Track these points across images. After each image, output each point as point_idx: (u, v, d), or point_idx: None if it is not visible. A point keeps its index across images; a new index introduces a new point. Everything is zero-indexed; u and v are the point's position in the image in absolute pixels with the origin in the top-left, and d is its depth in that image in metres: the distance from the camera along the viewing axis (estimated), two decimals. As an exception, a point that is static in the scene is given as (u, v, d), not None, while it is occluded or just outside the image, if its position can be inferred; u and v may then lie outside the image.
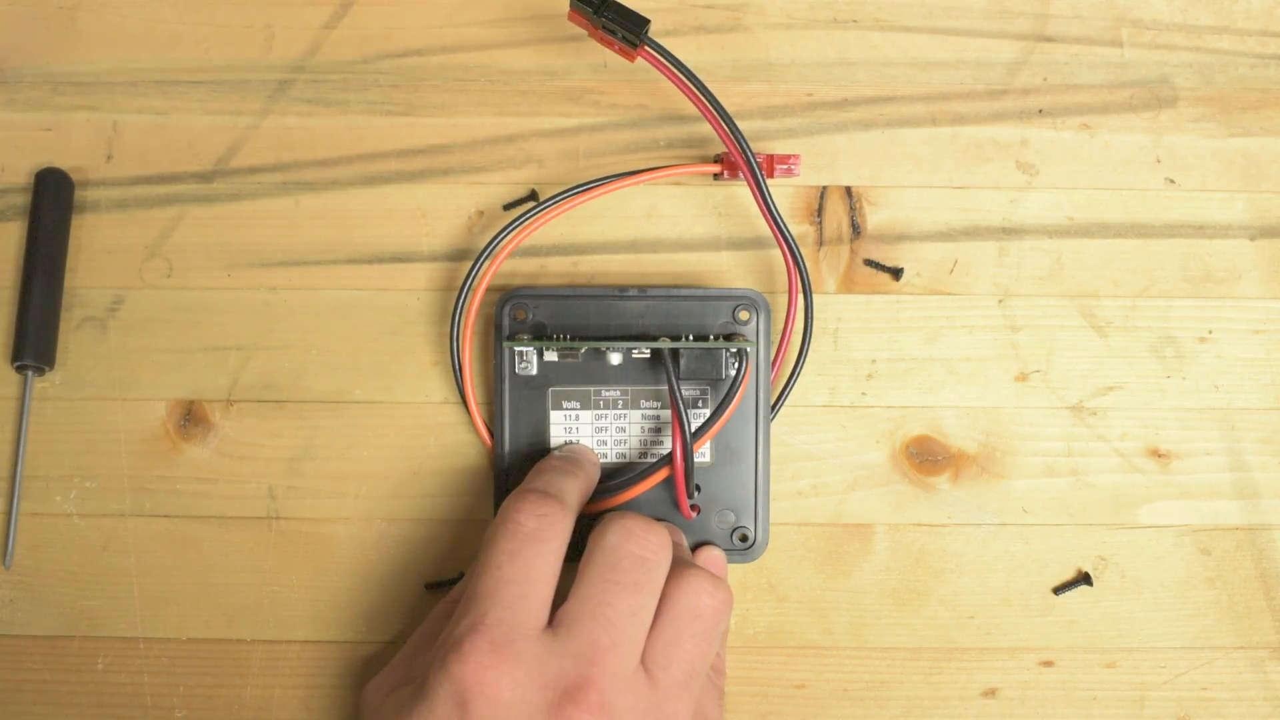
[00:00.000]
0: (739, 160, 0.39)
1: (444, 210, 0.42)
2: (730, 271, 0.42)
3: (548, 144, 0.43)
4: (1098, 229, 0.42)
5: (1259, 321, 0.42)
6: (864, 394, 0.41)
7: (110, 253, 0.42)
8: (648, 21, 0.39)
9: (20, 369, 0.40)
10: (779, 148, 0.42)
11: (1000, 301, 0.42)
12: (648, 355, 0.39)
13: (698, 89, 0.39)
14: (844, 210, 0.42)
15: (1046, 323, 0.41)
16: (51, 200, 0.41)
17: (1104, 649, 0.39)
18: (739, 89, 0.43)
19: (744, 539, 0.39)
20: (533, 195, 0.42)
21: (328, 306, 0.41)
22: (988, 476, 0.40)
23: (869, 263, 0.42)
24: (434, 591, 0.40)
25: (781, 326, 0.40)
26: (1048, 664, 0.39)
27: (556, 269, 0.42)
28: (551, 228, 0.42)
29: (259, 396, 0.41)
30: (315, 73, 0.43)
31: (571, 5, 0.39)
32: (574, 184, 0.40)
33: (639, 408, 0.39)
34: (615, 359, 0.39)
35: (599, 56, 0.43)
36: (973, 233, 0.42)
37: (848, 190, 0.43)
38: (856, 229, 0.42)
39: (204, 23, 0.44)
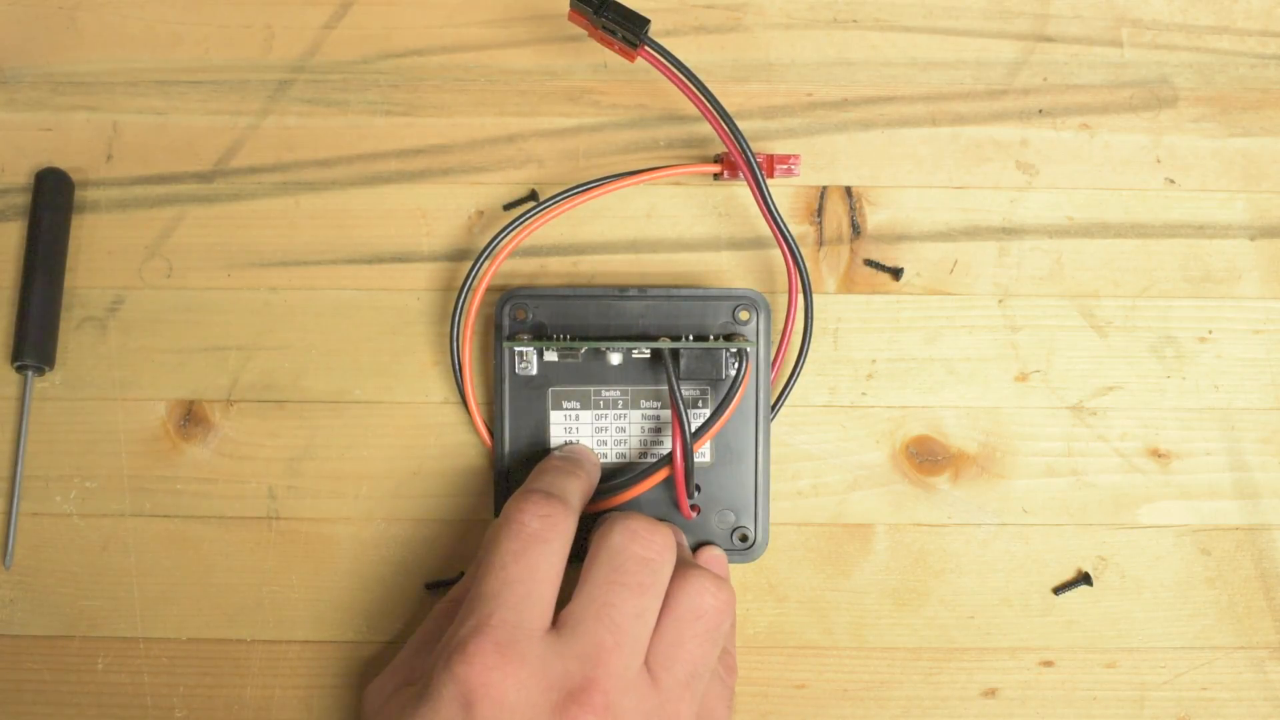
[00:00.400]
0: (739, 160, 0.39)
1: (444, 210, 0.42)
2: (730, 271, 0.42)
3: (548, 144, 0.43)
4: (1098, 229, 0.42)
5: (1259, 321, 0.42)
6: (864, 394, 0.41)
7: (110, 253, 0.42)
8: (648, 21, 0.39)
9: (20, 369, 0.40)
10: (779, 148, 0.42)
11: (1000, 301, 0.42)
12: (648, 355, 0.39)
13: (698, 89, 0.39)
14: (844, 210, 0.42)
15: (1046, 323, 0.41)
16: (51, 200, 0.41)
17: (1104, 649, 0.39)
18: (739, 89, 0.43)
19: (744, 539, 0.39)
20: (533, 195, 0.42)
21: (328, 306, 0.41)
22: (988, 476, 0.40)
23: (869, 263, 0.42)
24: (434, 591, 0.40)
25: (781, 326, 0.40)
26: (1048, 664, 0.39)
27: (556, 269, 0.42)
28: (551, 228, 0.42)
29: (259, 396, 0.41)
30: (315, 73, 0.43)
31: (572, 5, 0.39)
32: (574, 184, 0.40)
33: (639, 408, 0.39)
34: (615, 359, 0.39)
35: (599, 56, 0.43)
36: (973, 233, 0.42)
37: (848, 190, 0.43)
38: (856, 229, 0.42)
39: (204, 23, 0.44)
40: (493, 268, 0.40)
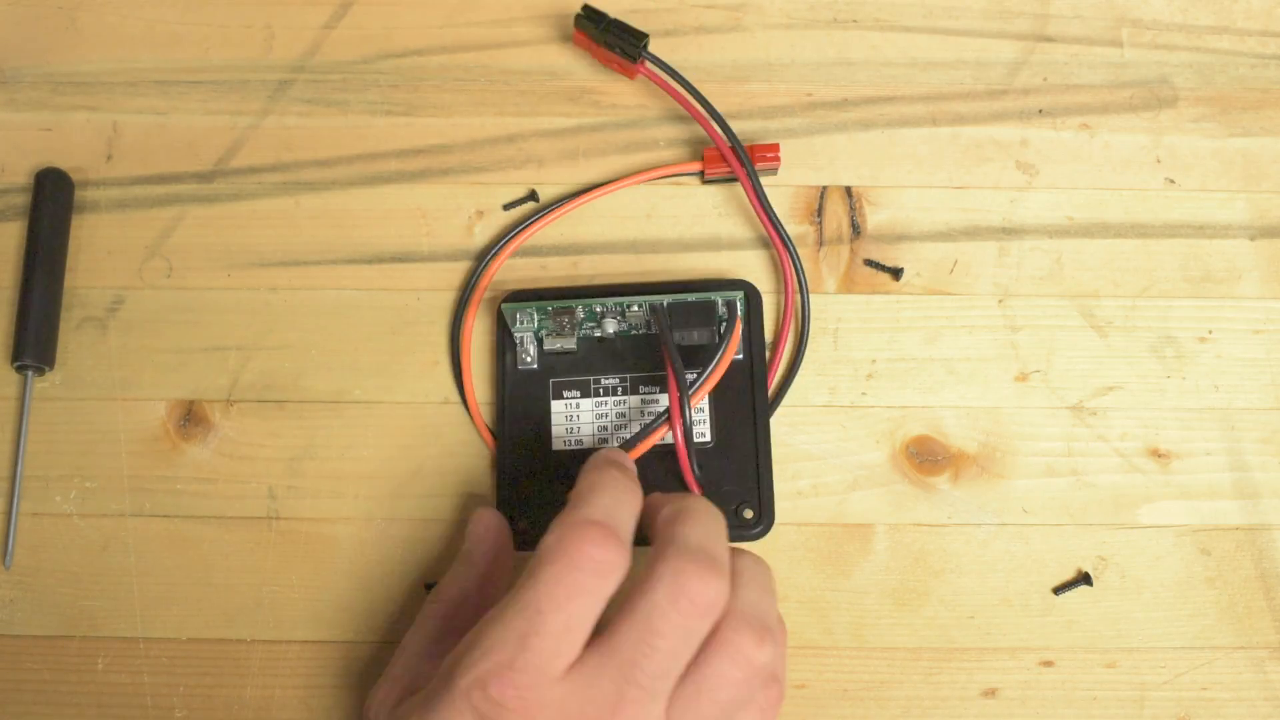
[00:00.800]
0: (736, 168, 0.40)
1: (444, 210, 0.42)
2: (730, 272, 0.42)
3: (548, 144, 0.43)
4: (1098, 229, 0.42)
5: (1259, 321, 0.42)
6: (864, 394, 0.41)
7: (110, 253, 0.42)
8: (645, 36, 0.40)
9: (20, 369, 0.40)
10: (779, 148, 0.42)
11: (1000, 301, 0.42)
12: (643, 335, 0.40)
13: (699, 101, 0.40)
14: (844, 210, 0.42)
15: (1046, 323, 0.41)
16: (51, 200, 0.41)
17: (1104, 649, 0.39)
18: (739, 89, 0.43)
19: (748, 518, 0.39)
20: (533, 195, 0.42)
21: (328, 306, 0.41)
22: (988, 476, 0.40)
23: (869, 263, 0.42)
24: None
25: (776, 316, 0.40)
26: (1048, 664, 0.39)
27: (556, 269, 0.42)
28: (552, 228, 0.42)
29: (259, 396, 0.41)
30: (315, 73, 0.43)
31: (576, 25, 0.40)
32: (566, 188, 0.41)
33: (638, 393, 0.40)
34: (611, 326, 0.39)
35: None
36: (973, 233, 0.42)
37: (848, 190, 0.43)
38: (856, 229, 0.42)
39: (204, 23, 0.44)
40: (491, 273, 0.41)
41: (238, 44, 0.43)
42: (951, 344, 0.41)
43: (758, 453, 0.39)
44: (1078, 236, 0.42)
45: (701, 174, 0.42)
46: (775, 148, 0.41)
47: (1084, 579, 0.40)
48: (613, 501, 0.32)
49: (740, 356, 0.40)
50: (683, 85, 0.41)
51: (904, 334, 0.41)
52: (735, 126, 0.42)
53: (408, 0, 0.44)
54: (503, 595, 0.32)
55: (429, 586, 0.40)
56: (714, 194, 0.42)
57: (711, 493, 0.39)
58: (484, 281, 0.41)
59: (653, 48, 0.42)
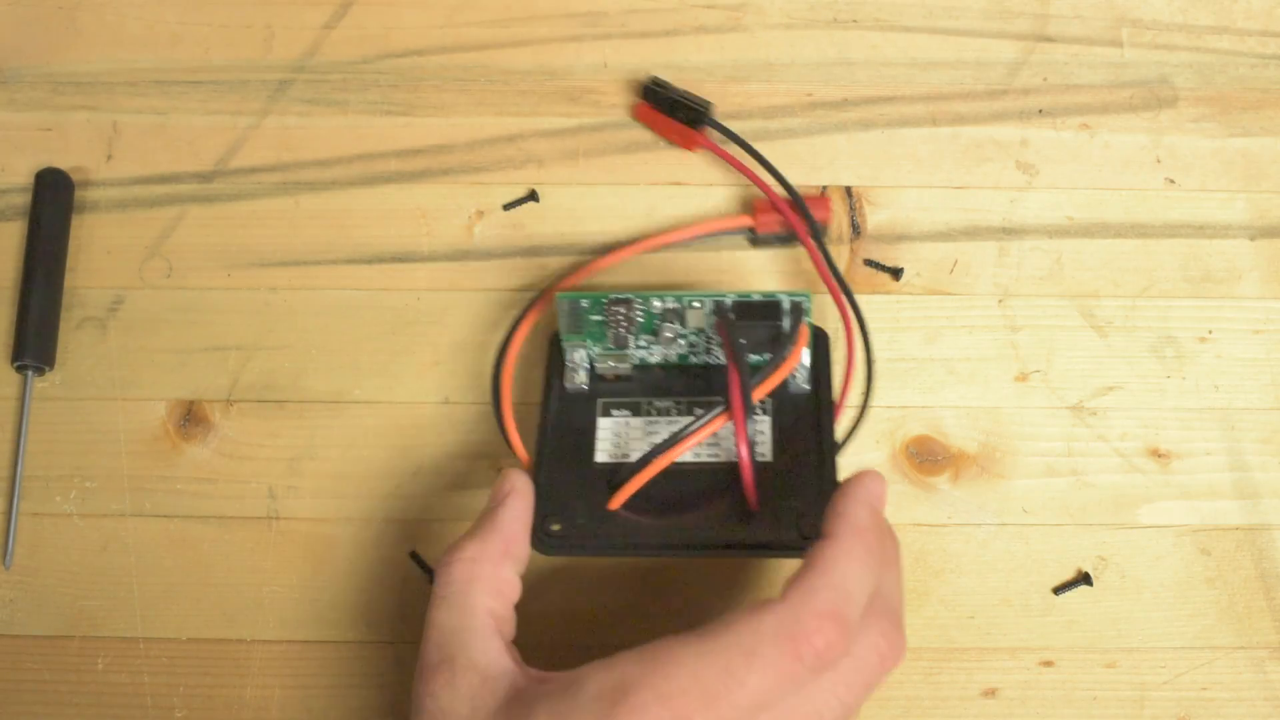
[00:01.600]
0: (801, 234, 0.40)
1: (444, 210, 0.42)
2: (731, 272, 0.42)
3: (548, 144, 0.43)
4: (1098, 229, 0.42)
5: (1259, 321, 0.42)
6: (864, 393, 0.41)
7: (110, 253, 0.42)
8: (709, 104, 0.40)
9: (20, 369, 0.40)
10: (779, 148, 0.42)
11: (1000, 301, 0.42)
12: (700, 365, 0.38)
13: (767, 170, 0.41)
14: (844, 210, 0.42)
15: (1046, 323, 0.41)
16: (51, 200, 0.41)
17: (1104, 649, 0.39)
18: (739, 89, 0.43)
19: (810, 536, 0.35)
20: (533, 195, 0.42)
21: (328, 306, 0.41)
22: (988, 476, 0.40)
23: (869, 263, 0.42)
24: (416, 559, 0.39)
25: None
26: (1048, 664, 0.39)
27: (556, 270, 0.42)
28: (553, 228, 0.42)
29: (259, 396, 0.41)
30: (315, 73, 0.43)
31: (643, 96, 0.41)
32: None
33: (691, 414, 0.38)
34: (668, 332, 0.37)
35: (599, 56, 0.43)
36: (973, 233, 0.42)
37: (848, 190, 0.43)
38: (856, 229, 0.42)
39: (204, 23, 0.44)
40: (536, 310, 0.40)
41: (238, 44, 0.43)
42: (951, 344, 0.41)
43: (824, 465, 0.36)
44: (1078, 236, 0.42)
45: (752, 231, 0.41)
46: (826, 201, 0.41)
47: (1084, 579, 0.40)
48: (859, 584, 0.30)
49: (807, 387, 0.38)
50: (747, 151, 0.41)
51: (904, 334, 0.41)
52: (735, 127, 0.42)
53: (408, 0, 0.44)
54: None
55: (413, 555, 0.39)
56: (713, 194, 0.42)
57: (774, 515, 0.36)
58: (528, 319, 0.39)
59: (652, 48, 0.42)
